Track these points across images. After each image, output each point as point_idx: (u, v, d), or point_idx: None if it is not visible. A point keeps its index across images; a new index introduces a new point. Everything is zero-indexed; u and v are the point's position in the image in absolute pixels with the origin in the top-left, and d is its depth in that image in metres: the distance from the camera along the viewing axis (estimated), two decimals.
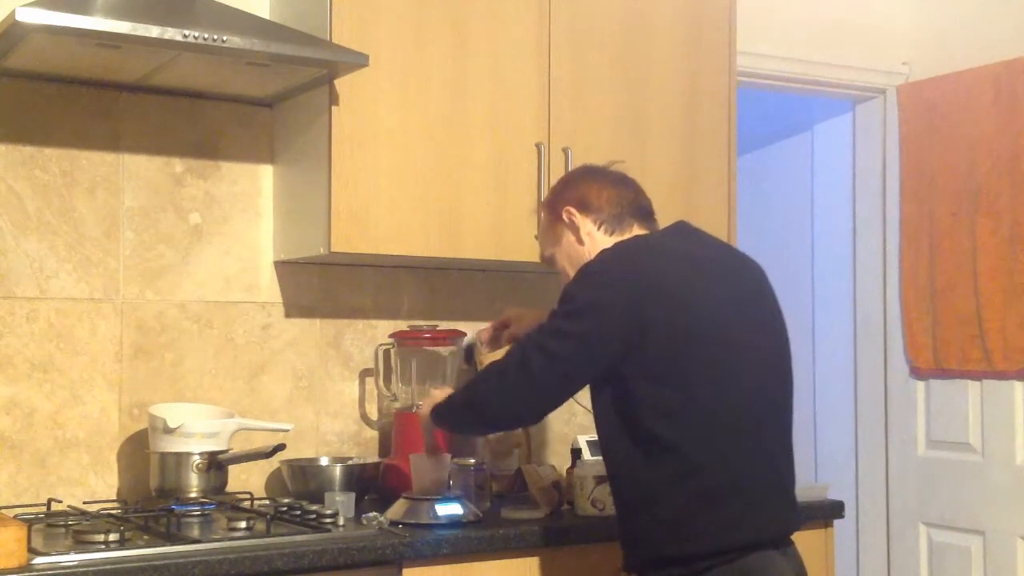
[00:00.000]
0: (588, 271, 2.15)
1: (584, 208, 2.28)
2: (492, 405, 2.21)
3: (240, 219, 2.86)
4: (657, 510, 2.09)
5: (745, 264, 2.27)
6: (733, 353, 2.10)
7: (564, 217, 2.30)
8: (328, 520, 2.39)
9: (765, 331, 2.20)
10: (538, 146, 2.85)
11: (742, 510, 2.07)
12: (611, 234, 2.26)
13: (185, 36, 2.30)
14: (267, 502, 2.65)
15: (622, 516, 2.18)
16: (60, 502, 2.54)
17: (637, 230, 2.28)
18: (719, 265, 2.21)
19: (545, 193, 2.81)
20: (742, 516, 2.07)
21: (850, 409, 4.02)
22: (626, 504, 2.16)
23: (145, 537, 2.21)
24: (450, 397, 2.33)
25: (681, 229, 2.27)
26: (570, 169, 2.79)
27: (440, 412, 2.33)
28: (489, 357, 2.62)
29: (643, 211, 2.31)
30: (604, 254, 2.17)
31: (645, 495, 2.10)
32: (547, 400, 2.19)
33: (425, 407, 2.39)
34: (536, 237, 2.83)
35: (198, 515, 2.43)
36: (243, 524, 2.30)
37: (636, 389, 2.07)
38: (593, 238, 2.27)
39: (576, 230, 2.29)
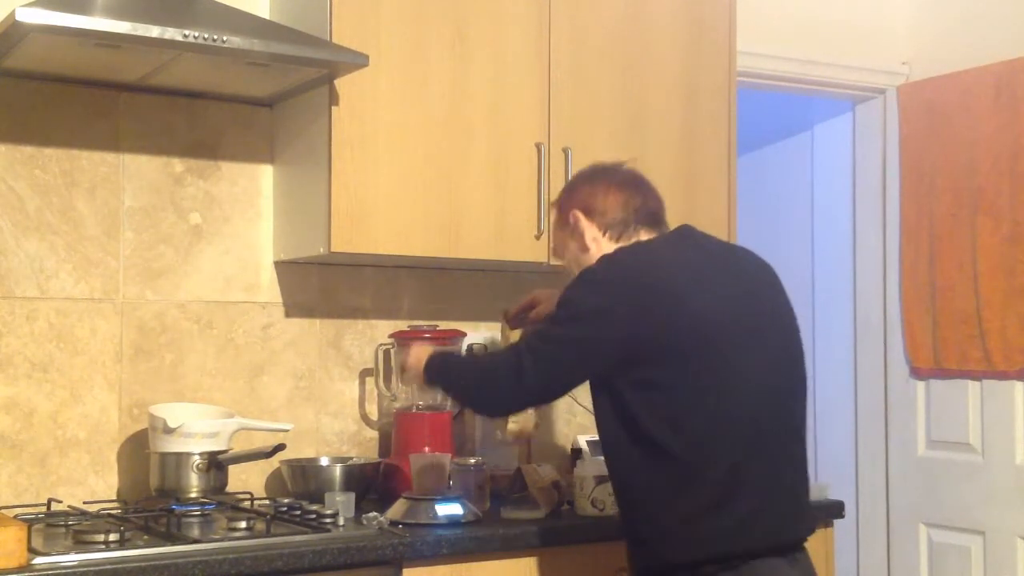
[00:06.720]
0: (587, 277, 2.14)
1: (590, 213, 2.25)
2: (481, 400, 2.33)
3: (240, 219, 2.86)
4: (659, 516, 2.07)
5: (749, 265, 2.23)
6: (735, 358, 2.07)
7: (570, 220, 2.27)
8: (328, 520, 2.39)
9: (772, 332, 2.16)
10: (538, 146, 2.85)
11: (745, 516, 2.04)
12: (616, 240, 2.23)
13: (185, 36, 2.30)
14: (267, 502, 2.65)
15: (625, 520, 2.17)
16: (60, 502, 2.54)
17: (644, 235, 2.23)
18: (721, 268, 2.17)
19: (545, 193, 2.82)
20: (744, 522, 2.03)
21: (850, 409, 4.02)
22: (628, 509, 2.15)
23: (145, 537, 2.21)
24: (446, 365, 2.35)
25: (683, 234, 2.24)
26: (571, 169, 2.79)
27: (432, 376, 2.35)
28: (513, 335, 2.63)
29: (652, 216, 2.26)
30: (604, 260, 2.16)
31: (647, 500, 2.09)
32: (537, 399, 2.34)
33: (413, 358, 2.38)
34: (536, 238, 2.84)
35: (198, 515, 2.43)
36: (243, 524, 2.30)
37: (634, 397, 2.05)
38: (599, 243, 2.24)
39: (581, 235, 2.25)
